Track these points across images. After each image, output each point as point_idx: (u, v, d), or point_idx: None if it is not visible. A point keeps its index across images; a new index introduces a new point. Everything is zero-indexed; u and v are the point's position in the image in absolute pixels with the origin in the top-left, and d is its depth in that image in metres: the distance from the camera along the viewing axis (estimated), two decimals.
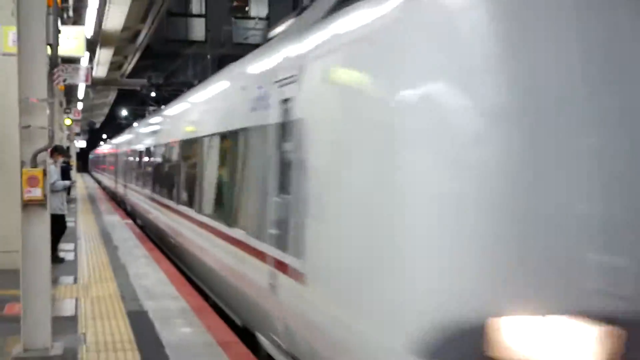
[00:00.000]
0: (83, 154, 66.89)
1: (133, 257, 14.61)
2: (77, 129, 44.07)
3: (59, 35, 6.81)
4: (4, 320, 8.55)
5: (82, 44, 14.94)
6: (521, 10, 4.49)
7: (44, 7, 6.54)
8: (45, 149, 6.65)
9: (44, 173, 6.57)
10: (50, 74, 6.62)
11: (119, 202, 31.95)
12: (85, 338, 7.89)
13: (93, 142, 70.38)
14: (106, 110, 59.06)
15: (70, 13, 16.77)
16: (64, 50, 14.10)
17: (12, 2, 6.59)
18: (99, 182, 52.85)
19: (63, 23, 15.44)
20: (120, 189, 30.03)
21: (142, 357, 7.20)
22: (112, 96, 48.78)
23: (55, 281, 11.05)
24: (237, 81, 10.50)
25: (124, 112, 61.22)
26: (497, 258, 4.09)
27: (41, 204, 6.58)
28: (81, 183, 47.83)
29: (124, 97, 51.07)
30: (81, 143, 60.37)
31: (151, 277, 12.12)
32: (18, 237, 6.76)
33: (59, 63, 15.45)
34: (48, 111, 6.73)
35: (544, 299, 4.05)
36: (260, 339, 7.64)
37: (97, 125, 69.34)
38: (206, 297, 10.68)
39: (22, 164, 6.52)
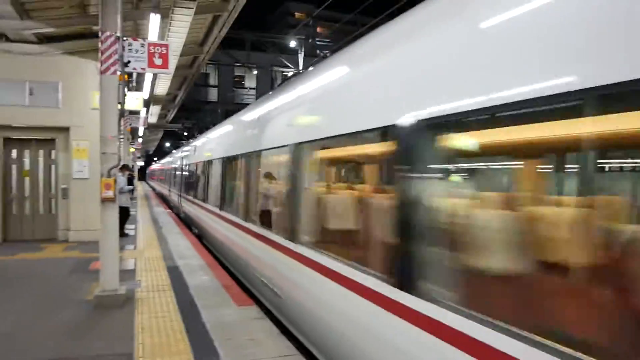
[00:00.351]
0: (142, 170, 67.64)
1: (171, 233, 14.72)
2: (138, 154, 44.35)
3: (125, 97, 7.05)
4: (91, 272, 8.74)
5: (141, 103, 15.23)
6: None
7: (117, 81, 6.86)
8: (115, 167, 6.87)
9: (115, 181, 6.86)
10: (119, 121, 6.90)
11: (162, 197, 32.38)
12: (140, 283, 8.10)
13: (148, 162, 72.60)
14: (156, 143, 59.35)
15: (134, 84, 17.09)
16: (130, 106, 14.47)
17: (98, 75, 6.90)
18: (152, 187, 51.84)
19: (129, 89, 15.78)
20: (163, 190, 32.15)
21: (175, 293, 7.42)
22: (160, 134, 48.67)
23: (122, 248, 11.23)
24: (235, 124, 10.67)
25: (167, 144, 62.84)
26: None
27: (112, 200, 6.83)
28: (140, 188, 47.29)
29: (167, 135, 52.03)
30: (140, 163, 61.51)
31: (182, 245, 12.28)
32: (98, 220, 7.05)
33: (125, 114, 15.79)
34: (117, 143, 7.00)
35: None
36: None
37: (151, 152, 70.41)
38: (215, 257, 10.94)
39: (101, 175, 6.82)
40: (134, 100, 14.58)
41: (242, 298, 7.20)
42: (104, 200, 6.79)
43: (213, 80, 44.66)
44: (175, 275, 8.75)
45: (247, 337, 5.49)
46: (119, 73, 6.86)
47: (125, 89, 7.11)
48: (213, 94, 43.99)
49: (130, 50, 7.11)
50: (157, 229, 15.50)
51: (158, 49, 7.32)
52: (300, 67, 27.40)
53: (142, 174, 70.57)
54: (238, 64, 37.83)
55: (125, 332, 5.68)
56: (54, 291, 7.61)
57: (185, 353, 5.02)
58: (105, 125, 6.79)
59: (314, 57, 27.80)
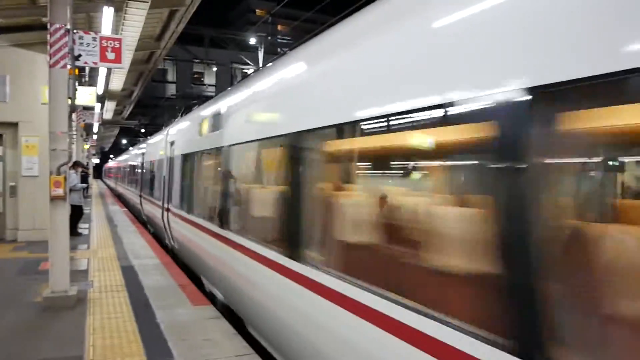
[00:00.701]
0: (97, 167, 65.74)
1: (126, 231, 14.39)
2: (93, 151, 43.37)
3: (76, 92, 6.84)
4: (40, 273, 8.46)
5: (94, 98, 14.78)
6: None
7: (67, 75, 6.63)
8: (65, 164, 6.64)
9: (65, 179, 6.64)
10: (70, 116, 6.67)
11: (117, 195, 31.70)
12: (93, 283, 7.88)
13: (104, 159, 70.86)
14: (112, 140, 57.90)
15: (87, 78, 16.64)
16: (83, 102, 14.03)
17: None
18: (107, 185, 49.64)
19: (81, 84, 15.31)
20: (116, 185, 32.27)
21: (129, 294, 7.25)
22: (115, 131, 47.51)
23: (74, 248, 10.94)
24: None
25: (124, 141, 61.16)
26: None
27: (62, 198, 6.61)
28: (95, 186, 45.98)
29: (124, 131, 50.74)
30: (95, 160, 60.05)
31: (137, 244, 12.02)
32: (47, 220, 6.81)
33: (78, 110, 15.34)
34: (68, 139, 6.77)
35: None
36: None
37: (107, 149, 68.58)
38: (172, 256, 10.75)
39: (50, 172, 6.59)
40: (86, 96, 14.14)
41: (198, 298, 7.09)
42: (54, 199, 6.57)
43: (171, 76, 43.89)
44: (130, 275, 8.55)
45: (203, 337, 5.41)
46: (69, 67, 6.63)
47: (77, 84, 6.87)
48: (171, 91, 43.20)
49: (81, 43, 6.89)
50: (112, 228, 15.11)
51: (111, 43, 7.13)
52: (260, 65, 27.23)
53: (98, 171, 68.73)
54: (197, 61, 37.24)
55: (75, 334, 5.50)
56: (0, 293, 7.31)
57: (138, 354, 4.90)
58: (54, 120, 6.55)
59: (275, 55, 27.71)
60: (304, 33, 26.44)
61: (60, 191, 6.51)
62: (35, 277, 8.18)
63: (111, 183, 40.64)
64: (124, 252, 10.89)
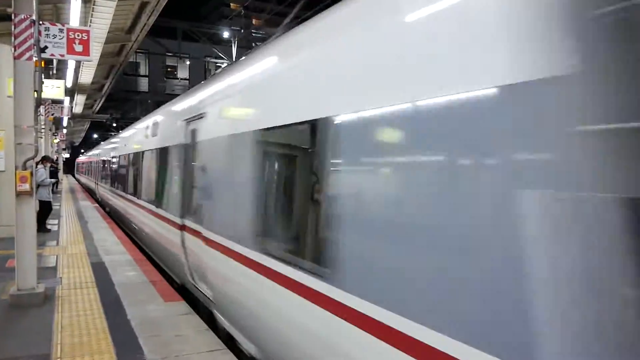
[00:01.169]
0: (68, 162, 64.04)
1: (97, 227, 14.12)
2: (62, 146, 42.54)
3: (43, 84, 6.67)
4: (6, 270, 8.24)
5: (62, 91, 14.44)
6: None
7: (32, 67, 6.46)
8: (32, 158, 6.48)
9: (31, 174, 6.48)
10: (36, 110, 6.51)
11: (90, 191, 31.11)
12: (62, 280, 7.73)
13: (75, 154, 69.01)
14: (83, 134, 56.63)
15: (55, 71, 16.24)
16: (50, 95, 13.72)
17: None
18: (78, 180, 47.87)
19: (49, 77, 14.94)
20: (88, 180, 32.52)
21: (99, 290, 7.14)
22: (86, 125, 46.57)
23: (43, 244, 10.73)
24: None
25: (95, 135, 59.75)
26: None
27: (29, 194, 6.47)
28: (66, 182, 45.01)
29: (95, 126, 49.75)
30: (65, 155, 58.62)
31: (108, 240, 11.81)
32: (14, 216, 6.64)
33: (47, 103, 14.99)
34: (34, 133, 6.61)
35: None
36: None
37: (77, 143, 66.94)
38: (144, 252, 10.61)
39: (16, 167, 6.43)
40: (53, 89, 13.80)
41: (170, 293, 7.02)
42: (20, 194, 6.41)
43: (143, 69, 43.04)
44: (101, 271, 8.40)
45: (174, 333, 5.36)
46: (35, 59, 6.46)
47: (43, 76, 6.71)
48: (144, 84, 42.40)
49: (47, 35, 6.72)
50: (82, 224, 14.82)
51: (78, 35, 6.97)
52: (234, 58, 27.00)
53: (68, 166, 67.23)
54: (170, 54, 36.68)
55: (42, 332, 5.38)
56: None
57: (108, 352, 4.83)
58: (20, 114, 6.38)
59: (249, 49, 27.48)
60: (278, 27, 26.32)
61: (26, 186, 6.36)
62: (2, 275, 7.97)
63: (89, 183, 32.82)
64: (94, 248, 10.69)
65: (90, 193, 29.32)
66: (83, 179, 41.42)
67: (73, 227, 14.02)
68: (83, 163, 44.81)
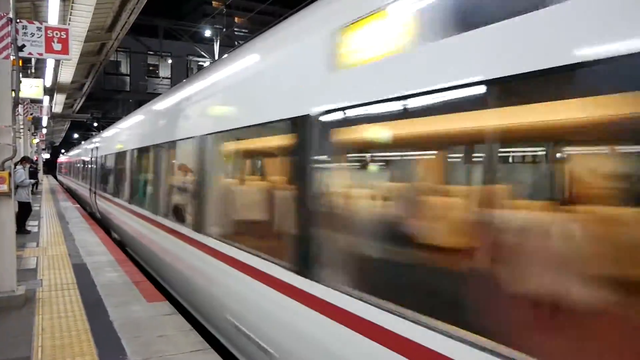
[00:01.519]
0: (47, 162, 62.61)
1: (78, 228, 13.95)
2: (42, 146, 41.83)
3: (21, 84, 6.57)
4: None
5: (41, 90, 14.24)
6: None
7: (9, 66, 6.35)
8: (10, 159, 6.37)
9: (10, 174, 6.37)
10: (14, 109, 6.40)
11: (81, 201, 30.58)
12: (42, 282, 7.61)
13: (55, 154, 67.64)
14: (63, 134, 55.65)
15: (33, 70, 16.00)
16: (29, 94, 13.50)
17: None
18: (61, 184, 42.99)
19: (27, 76, 14.70)
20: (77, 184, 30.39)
21: (80, 292, 7.04)
22: (66, 125, 45.83)
23: (22, 246, 10.58)
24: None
25: (75, 135, 58.75)
26: None
27: (7, 195, 6.36)
28: (46, 182, 44.22)
29: (75, 125, 48.83)
30: (46, 155, 57.55)
31: (90, 241, 11.67)
32: None
33: (25, 102, 14.75)
34: (12, 133, 6.50)
35: None
36: None
37: (57, 144, 65.65)
38: (126, 253, 10.50)
39: None
40: (32, 88, 13.58)
41: (153, 294, 6.96)
42: None
43: (125, 68, 42.61)
44: (82, 272, 8.30)
45: (157, 334, 5.32)
46: (12, 58, 6.35)
47: (21, 75, 6.60)
48: (125, 83, 41.97)
49: (25, 33, 6.62)
50: (63, 225, 14.63)
51: (57, 34, 6.88)
52: (216, 57, 26.87)
53: (48, 166, 66.07)
54: (151, 53, 36.34)
55: (22, 335, 5.30)
56: None
57: (90, 354, 4.77)
58: None
59: (232, 47, 27.33)
60: (261, 25, 26.23)
61: (4, 187, 6.24)
62: None
63: (81, 189, 24.54)
64: (75, 249, 10.55)
65: (81, 204, 22.47)
66: (70, 184, 33.67)
67: (53, 228, 13.83)
68: (68, 163, 37.92)
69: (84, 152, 24.60)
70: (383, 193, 3.39)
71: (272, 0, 21.50)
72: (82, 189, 22.28)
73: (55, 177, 58.31)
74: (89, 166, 19.54)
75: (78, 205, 21.63)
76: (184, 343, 5.06)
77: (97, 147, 17.61)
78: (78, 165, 26.64)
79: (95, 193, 16.64)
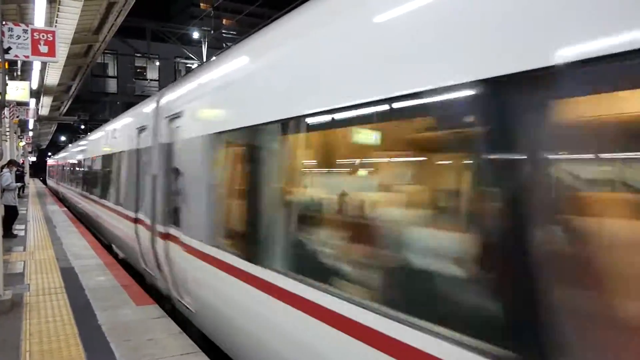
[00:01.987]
0: (34, 165, 61.61)
1: (66, 232, 13.82)
2: (29, 149, 41.37)
3: (7, 86, 6.51)
4: None
5: (27, 93, 14.09)
6: None
7: None
8: None
9: None
10: (0, 112, 6.34)
11: (57, 193, 30.30)
12: (29, 286, 7.53)
13: (41, 158, 66.66)
14: (50, 137, 55.01)
15: (19, 72, 15.86)
16: (15, 97, 13.36)
17: None
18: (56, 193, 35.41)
19: (13, 78, 14.54)
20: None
21: (68, 296, 6.99)
22: (53, 127, 45.40)
23: (9, 250, 10.47)
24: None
25: (62, 138, 58.16)
26: None
27: None
28: (33, 186, 43.62)
29: (62, 128, 48.37)
30: (32, 158, 56.84)
31: (78, 245, 11.56)
32: None
33: (11, 105, 14.63)
34: None
35: None
36: None
37: (44, 146, 64.74)
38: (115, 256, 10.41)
39: None
40: (18, 90, 13.45)
41: (142, 297, 6.92)
42: None
43: (112, 70, 42.31)
44: (70, 276, 8.23)
45: (147, 337, 5.29)
46: None
47: (7, 78, 6.54)
48: (112, 85, 41.66)
49: (11, 36, 6.56)
50: (50, 229, 14.49)
51: (44, 36, 6.82)
52: (204, 59, 26.78)
53: (35, 169, 65.16)
54: (139, 55, 36.10)
55: (10, 340, 5.24)
56: None
57: (78, 358, 4.73)
58: None
59: (220, 49, 27.25)
60: (249, 27, 26.17)
61: None
62: None
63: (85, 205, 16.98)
64: (63, 253, 10.46)
65: (104, 237, 12.74)
66: (66, 193, 24.39)
67: (41, 232, 13.70)
68: (63, 161, 28.77)
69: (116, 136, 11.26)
70: None
71: (261, 2, 21.43)
72: (106, 216, 11.62)
73: (45, 182, 53.52)
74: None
75: (65, 208, 21.42)
76: (173, 346, 5.04)
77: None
78: (93, 169, 14.68)
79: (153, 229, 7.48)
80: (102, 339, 5.26)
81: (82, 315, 6.09)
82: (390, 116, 2.80)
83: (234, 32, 43.72)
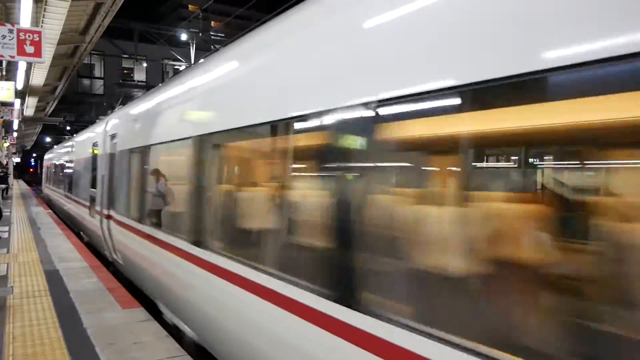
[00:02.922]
0: (18, 167, 60.68)
1: (51, 234, 13.68)
2: (13, 150, 40.83)
3: None
4: None
5: (12, 93, 13.92)
6: None
7: None
8: None
9: None
10: None
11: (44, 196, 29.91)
12: (13, 289, 7.41)
13: (25, 159, 65.65)
14: (34, 138, 54.33)
15: (4, 72, 15.67)
16: None
17: None
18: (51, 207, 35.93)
19: None
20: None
21: (53, 299, 6.91)
22: (38, 128, 44.87)
23: None
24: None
25: (48, 139, 57.39)
26: None
27: None
28: (17, 187, 42.99)
29: (47, 129, 47.65)
30: (17, 159, 56.05)
31: (63, 247, 11.45)
32: None
33: None
34: None
35: None
36: None
37: (28, 147, 63.78)
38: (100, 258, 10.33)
39: None
40: (2, 91, 13.30)
41: (128, 300, 6.87)
42: None
43: (99, 71, 42.04)
44: (55, 279, 8.15)
45: (132, 341, 5.25)
46: None
47: None
48: (99, 86, 41.40)
49: None
50: (35, 231, 14.32)
51: (30, 36, 6.76)
52: (192, 61, 26.68)
53: (19, 171, 64.32)
54: (126, 56, 35.86)
55: None
56: None
57: None
58: None
59: (208, 51, 27.16)
60: (238, 30, 26.12)
61: None
62: None
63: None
64: (48, 255, 10.35)
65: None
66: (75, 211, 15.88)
67: (25, 234, 13.53)
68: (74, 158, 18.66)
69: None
70: None
71: (249, 4, 21.38)
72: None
73: (30, 184, 50.39)
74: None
75: (50, 210, 21.17)
76: (160, 349, 5.00)
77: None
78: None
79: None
80: (87, 342, 5.21)
81: (67, 318, 6.03)
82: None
83: (222, 35, 43.65)
